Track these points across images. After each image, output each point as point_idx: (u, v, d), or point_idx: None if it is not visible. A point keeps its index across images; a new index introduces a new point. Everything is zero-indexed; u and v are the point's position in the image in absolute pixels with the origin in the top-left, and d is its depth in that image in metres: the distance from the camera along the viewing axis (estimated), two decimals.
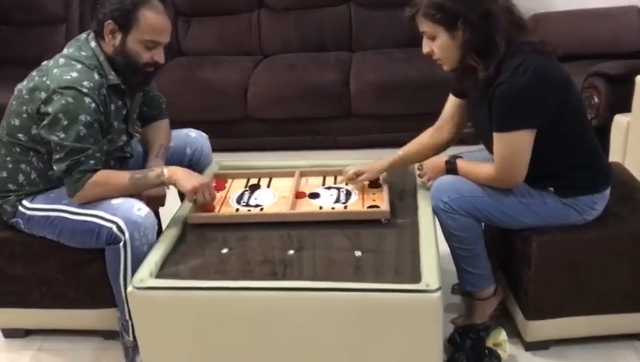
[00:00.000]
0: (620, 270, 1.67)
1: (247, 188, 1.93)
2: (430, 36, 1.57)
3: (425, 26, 1.57)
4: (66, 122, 1.59)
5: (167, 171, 1.71)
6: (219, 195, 1.88)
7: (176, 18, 3.72)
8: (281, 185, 1.93)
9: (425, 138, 1.83)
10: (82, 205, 1.68)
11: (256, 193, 1.90)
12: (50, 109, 1.60)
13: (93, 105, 1.62)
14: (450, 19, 1.51)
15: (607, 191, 1.68)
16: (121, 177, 1.70)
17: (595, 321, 1.74)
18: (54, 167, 1.64)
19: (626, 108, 2.19)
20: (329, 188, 1.90)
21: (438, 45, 1.57)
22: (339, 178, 1.95)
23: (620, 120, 2.26)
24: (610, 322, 1.75)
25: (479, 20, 1.48)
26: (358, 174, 1.84)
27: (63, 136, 1.60)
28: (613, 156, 2.26)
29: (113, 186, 1.68)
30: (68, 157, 1.61)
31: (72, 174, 1.62)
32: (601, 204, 1.66)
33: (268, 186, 1.95)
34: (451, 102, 1.82)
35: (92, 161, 1.63)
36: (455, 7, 1.49)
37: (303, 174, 1.98)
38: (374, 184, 1.88)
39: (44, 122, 1.61)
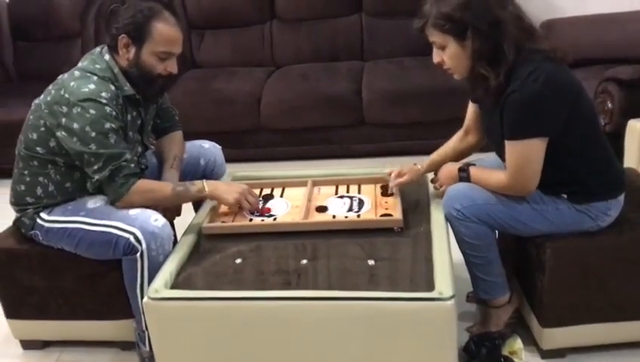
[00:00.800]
0: (635, 276, 1.66)
1: (261, 198, 1.95)
2: (440, 46, 1.58)
3: (435, 37, 1.57)
4: (94, 133, 1.63)
5: (208, 186, 1.78)
6: None
7: (190, 31, 3.77)
8: (294, 194, 1.94)
9: (455, 142, 1.88)
10: (100, 216, 1.70)
11: (270, 203, 1.91)
12: (75, 125, 1.63)
13: (114, 113, 1.66)
14: (459, 29, 1.51)
15: (622, 197, 1.67)
16: (165, 187, 1.76)
17: (611, 328, 1.72)
18: (94, 178, 1.66)
19: (639, 113, 2.18)
20: (341, 196, 1.91)
21: (448, 55, 1.57)
22: (351, 187, 1.95)
23: (633, 125, 2.24)
24: (627, 329, 1.73)
25: (488, 29, 1.49)
26: (400, 175, 1.85)
27: (95, 147, 1.63)
28: (628, 162, 2.24)
29: (156, 195, 1.73)
30: (108, 164, 1.64)
31: (115, 180, 1.66)
32: (615, 210, 1.65)
33: (281, 196, 1.96)
34: (471, 108, 1.84)
35: (132, 165, 1.69)
36: (464, 17, 1.49)
37: (315, 183, 2.00)
38: (387, 192, 1.88)
39: (74, 139, 1.64)
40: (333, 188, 1.97)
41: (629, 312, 1.70)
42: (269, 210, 1.85)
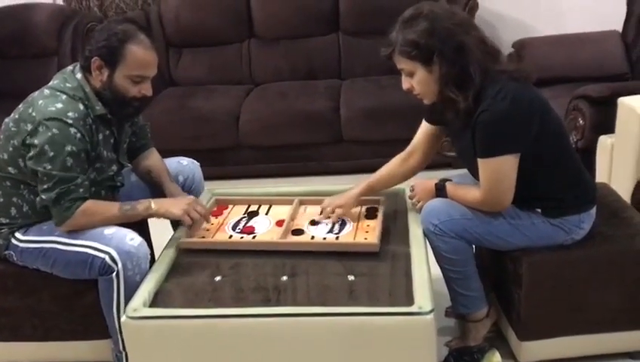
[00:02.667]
0: (609, 288, 1.69)
1: (246, 215, 1.94)
2: (408, 73, 1.61)
3: (402, 64, 1.60)
4: (52, 153, 1.61)
5: (155, 204, 1.75)
6: (216, 221, 1.90)
7: (167, 49, 3.77)
8: (280, 212, 1.94)
9: (392, 166, 1.87)
10: (75, 236, 1.68)
11: (254, 220, 1.91)
12: (36, 141, 1.61)
13: (78, 135, 1.64)
14: (425, 55, 1.54)
15: (593, 210, 1.71)
16: (110, 207, 1.73)
17: (588, 340, 1.75)
18: (42, 197, 1.65)
19: (610, 129, 2.23)
20: (333, 211, 1.89)
21: (416, 81, 1.60)
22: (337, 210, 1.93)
23: (604, 141, 2.30)
24: (603, 341, 1.76)
25: (454, 54, 1.52)
26: (334, 210, 1.85)
27: (49, 167, 1.61)
28: (600, 177, 2.30)
29: (102, 216, 1.70)
30: (57, 186, 1.62)
31: (60, 203, 1.63)
32: (587, 223, 1.69)
33: (267, 213, 1.96)
34: (424, 128, 1.85)
35: (81, 190, 1.65)
36: (429, 43, 1.52)
37: (302, 202, 2.00)
38: (371, 215, 1.88)
39: (31, 153, 1.62)
40: (319, 207, 1.95)
41: (604, 324, 1.73)
42: (252, 228, 1.84)
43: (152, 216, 1.79)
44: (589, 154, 2.37)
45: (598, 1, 3.49)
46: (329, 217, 1.85)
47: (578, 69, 3.10)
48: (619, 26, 3.21)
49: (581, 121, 2.48)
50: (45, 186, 1.63)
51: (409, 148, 1.87)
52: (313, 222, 1.86)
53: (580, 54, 3.18)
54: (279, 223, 1.85)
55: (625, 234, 1.72)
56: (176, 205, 1.77)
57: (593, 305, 1.70)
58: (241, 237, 1.80)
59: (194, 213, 1.76)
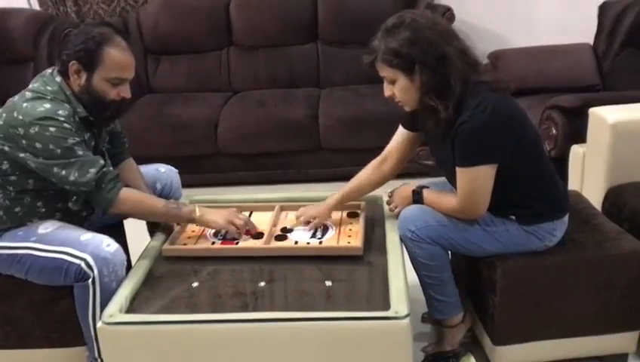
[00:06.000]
0: (580, 294, 1.73)
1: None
2: (390, 80, 1.63)
3: (384, 71, 1.62)
4: (59, 150, 1.60)
5: (199, 210, 1.79)
6: (197, 228, 1.89)
7: (146, 56, 3.76)
8: (261, 219, 1.94)
9: (365, 174, 1.89)
10: (50, 241, 1.67)
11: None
12: (37, 145, 1.60)
13: (73, 129, 1.64)
14: (407, 64, 1.56)
15: (566, 218, 1.75)
16: (156, 201, 1.78)
17: (560, 345, 1.78)
18: (80, 188, 1.63)
19: (581, 138, 2.28)
20: (307, 222, 1.91)
21: (398, 89, 1.62)
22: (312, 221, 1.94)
23: (576, 150, 2.35)
24: (575, 345, 1.79)
25: (435, 63, 1.54)
26: (309, 220, 1.87)
27: (64, 161, 1.61)
28: (572, 185, 2.35)
29: (147, 205, 1.74)
30: (85, 171, 1.62)
31: (102, 186, 1.64)
32: (560, 230, 1.73)
33: None
34: (400, 133, 1.87)
35: (111, 169, 1.69)
36: (411, 52, 1.54)
37: (283, 208, 2.00)
38: (353, 213, 1.91)
39: (40, 158, 1.61)
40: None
41: (576, 329, 1.76)
42: (232, 242, 1.83)
43: (193, 221, 1.81)
44: (561, 162, 2.42)
45: (571, 15, 3.58)
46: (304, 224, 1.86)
47: (551, 80, 3.17)
48: (590, 39, 3.30)
49: (554, 131, 2.53)
50: (73, 178, 1.62)
51: (383, 153, 1.89)
52: (285, 229, 1.87)
53: (553, 66, 3.25)
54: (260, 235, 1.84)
55: (596, 241, 1.76)
56: (221, 215, 1.79)
57: (565, 310, 1.74)
58: (223, 244, 1.79)
59: (238, 221, 1.79)
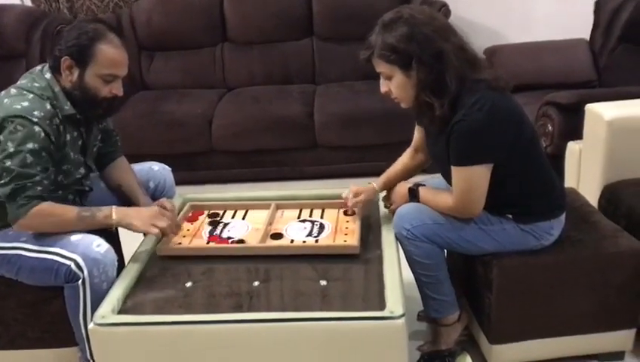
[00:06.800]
0: (577, 292, 1.72)
1: (222, 220, 1.92)
2: (387, 76, 1.62)
3: (381, 67, 1.61)
4: (12, 149, 1.57)
5: (116, 214, 1.68)
6: (192, 226, 1.87)
7: (139, 52, 3.73)
8: (257, 217, 1.92)
9: (405, 160, 1.92)
10: (41, 242, 1.65)
11: (230, 225, 1.89)
12: (0, 138, 1.58)
13: (42, 134, 1.60)
14: (404, 60, 1.54)
15: (563, 216, 1.74)
16: (68, 211, 1.66)
17: (556, 343, 1.78)
18: (1, 197, 1.60)
19: (578, 135, 2.27)
20: (303, 220, 1.90)
21: (394, 85, 1.61)
22: (315, 211, 1.95)
23: (572, 147, 2.34)
24: (571, 343, 1.79)
25: (432, 60, 1.52)
26: (357, 194, 1.87)
27: (9, 162, 1.57)
28: (568, 182, 2.34)
29: (58, 219, 1.63)
30: (13, 182, 1.58)
31: (15, 199, 1.58)
32: (557, 229, 1.72)
33: (243, 218, 1.94)
34: (418, 130, 1.89)
35: (39, 188, 1.60)
36: (408, 48, 1.53)
37: (279, 207, 1.99)
38: (348, 212, 1.90)
39: None
40: (297, 211, 1.96)
41: (572, 327, 1.76)
42: (226, 241, 1.80)
43: (112, 226, 1.70)
44: (558, 159, 2.41)
45: (567, 11, 3.57)
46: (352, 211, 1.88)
47: (547, 76, 3.16)
48: (586, 35, 3.29)
49: (550, 128, 2.52)
50: (2, 181, 1.59)
51: (413, 144, 1.91)
52: (276, 236, 1.81)
53: (549, 62, 3.25)
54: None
55: (592, 239, 1.75)
56: (140, 217, 1.69)
57: (562, 308, 1.73)
58: (219, 243, 1.77)
59: (160, 222, 1.70)
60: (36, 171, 1.60)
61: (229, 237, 1.80)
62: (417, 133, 1.89)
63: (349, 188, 1.91)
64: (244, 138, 3.27)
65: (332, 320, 1.42)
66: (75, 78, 1.67)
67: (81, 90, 1.67)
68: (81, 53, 1.65)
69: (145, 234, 1.89)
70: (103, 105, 1.72)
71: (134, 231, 1.72)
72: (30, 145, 1.58)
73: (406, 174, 1.91)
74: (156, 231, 1.70)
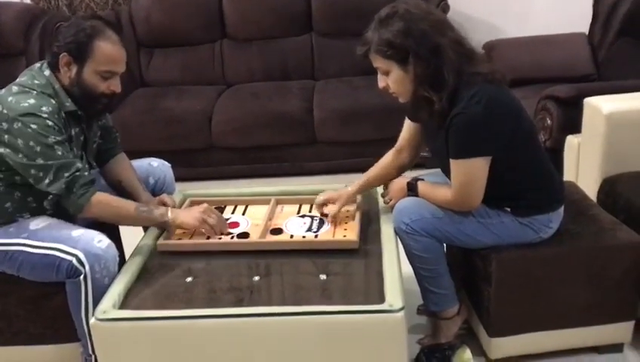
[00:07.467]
0: (576, 285, 1.73)
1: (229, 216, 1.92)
2: (384, 71, 1.62)
3: (378, 62, 1.61)
4: (39, 148, 1.59)
5: (171, 213, 1.76)
6: None
7: (139, 49, 3.73)
8: (257, 212, 1.93)
9: (387, 160, 1.89)
10: (42, 238, 1.66)
11: (230, 220, 1.89)
12: (19, 141, 1.59)
13: (56, 127, 1.62)
14: (401, 55, 1.55)
15: (561, 209, 1.74)
16: (128, 204, 1.74)
17: (556, 336, 1.78)
18: (51, 192, 1.62)
19: (576, 129, 2.27)
20: (303, 216, 1.91)
21: (392, 80, 1.61)
22: (315, 206, 1.95)
23: (571, 140, 2.34)
24: (570, 336, 1.79)
25: (429, 55, 1.53)
26: (328, 202, 1.86)
27: (42, 161, 1.59)
28: (567, 175, 2.34)
29: (118, 209, 1.71)
30: (60, 175, 1.60)
31: (73, 191, 1.62)
32: (556, 222, 1.72)
33: (243, 214, 1.95)
34: (407, 126, 1.86)
35: (86, 173, 1.65)
36: (405, 43, 1.53)
37: (279, 202, 1.99)
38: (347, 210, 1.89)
39: (20, 155, 1.60)
40: (296, 206, 1.97)
41: (571, 320, 1.77)
42: (236, 224, 1.84)
43: (165, 224, 1.78)
44: (556, 153, 2.41)
45: (566, 5, 3.57)
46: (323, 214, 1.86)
47: (546, 70, 3.16)
48: (585, 29, 3.28)
49: (549, 121, 2.52)
50: (47, 181, 1.60)
51: (398, 144, 1.88)
52: (276, 231, 1.83)
53: (548, 56, 3.24)
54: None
55: (591, 232, 1.76)
56: (192, 215, 1.76)
57: (561, 301, 1.74)
58: (219, 238, 1.78)
59: (210, 219, 1.76)
60: (73, 159, 1.63)
61: (229, 233, 1.81)
62: (406, 132, 1.86)
63: (323, 190, 1.89)
64: (244, 134, 3.27)
65: (332, 314, 1.43)
66: (74, 75, 1.67)
67: (80, 87, 1.68)
68: (79, 49, 1.65)
69: (145, 228, 1.91)
70: (101, 101, 1.73)
71: (186, 229, 1.79)
72: (52, 139, 1.60)
73: (388, 177, 1.88)
74: (208, 227, 1.76)
